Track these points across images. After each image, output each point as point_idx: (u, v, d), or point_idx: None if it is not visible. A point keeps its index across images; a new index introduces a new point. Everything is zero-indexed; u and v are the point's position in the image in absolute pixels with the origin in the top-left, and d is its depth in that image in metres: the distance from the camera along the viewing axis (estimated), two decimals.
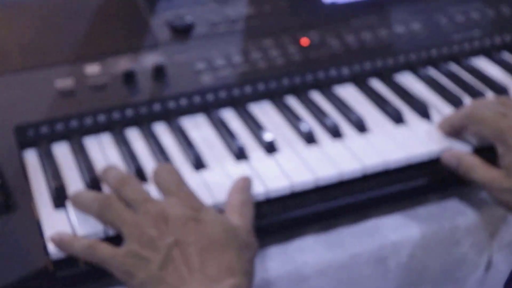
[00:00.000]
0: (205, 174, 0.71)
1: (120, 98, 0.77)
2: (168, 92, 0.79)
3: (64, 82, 0.76)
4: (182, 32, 0.85)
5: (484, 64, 0.92)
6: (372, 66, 0.88)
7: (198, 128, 0.78)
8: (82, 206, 0.65)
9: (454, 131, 0.77)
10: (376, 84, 0.87)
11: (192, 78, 0.81)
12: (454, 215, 0.77)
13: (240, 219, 0.65)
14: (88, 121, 0.76)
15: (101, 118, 0.76)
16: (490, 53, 0.94)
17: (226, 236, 0.62)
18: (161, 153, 0.73)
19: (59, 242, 0.62)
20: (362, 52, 0.88)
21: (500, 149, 0.71)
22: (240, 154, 0.74)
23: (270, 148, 0.75)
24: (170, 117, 0.78)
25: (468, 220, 0.77)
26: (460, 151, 0.75)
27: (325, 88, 0.85)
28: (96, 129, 0.76)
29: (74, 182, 0.70)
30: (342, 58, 0.87)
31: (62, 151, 0.74)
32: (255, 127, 0.77)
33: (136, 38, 0.84)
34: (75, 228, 0.64)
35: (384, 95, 0.84)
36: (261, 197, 0.69)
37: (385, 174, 0.75)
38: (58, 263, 0.63)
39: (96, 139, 0.76)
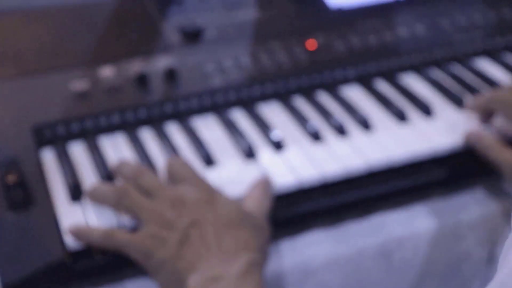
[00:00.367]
0: (215, 171, 0.74)
1: (133, 99, 0.80)
2: (180, 93, 0.82)
3: (80, 84, 0.79)
4: (192, 36, 0.88)
5: (487, 65, 0.94)
6: (377, 67, 0.90)
7: (208, 127, 0.81)
8: (99, 198, 0.68)
9: (483, 113, 0.80)
10: (381, 85, 0.89)
11: (203, 80, 0.83)
12: (457, 210, 0.79)
13: (255, 206, 0.68)
14: (103, 121, 0.78)
15: (115, 118, 0.79)
16: (493, 54, 0.96)
17: (240, 217, 0.65)
18: (173, 151, 0.76)
19: (77, 233, 0.65)
20: (367, 54, 0.90)
21: None
22: (249, 152, 0.76)
23: (278, 146, 0.77)
24: (182, 117, 0.81)
25: (471, 215, 0.79)
26: (482, 131, 0.78)
27: (332, 88, 0.87)
28: (110, 129, 0.79)
29: (89, 178, 0.72)
30: (348, 60, 0.89)
31: (78, 150, 0.76)
32: (264, 126, 0.80)
33: (148, 42, 0.87)
34: (90, 222, 0.67)
35: (388, 95, 0.86)
36: None
37: (390, 171, 0.77)
38: (75, 256, 0.65)
39: (111, 138, 0.78)
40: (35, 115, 0.76)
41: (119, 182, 0.71)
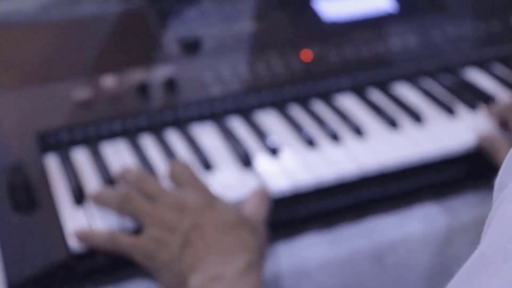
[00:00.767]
0: (213, 176, 0.77)
1: (134, 107, 0.83)
2: (179, 102, 0.84)
3: (82, 93, 0.82)
4: (191, 47, 0.91)
5: (477, 75, 0.97)
6: (371, 77, 0.93)
7: (207, 134, 0.83)
8: (103, 202, 0.71)
9: (500, 120, 0.83)
10: (374, 94, 0.92)
11: (201, 89, 0.86)
12: (448, 214, 0.82)
13: (253, 212, 0.71)
14: (105, 128, 0.81)
15: (117, 125, 0.81)
16: (482, 65, 0.99)
17: (239, 220, 0.68)
18: (173, 157, 0.78)
19: (81, 236, 0.68)
20: (361, 65, 0.93)
21: None
22: (246, 159, 0.79)
23: (274, 152, 0.80)
24: (181, 124, 0.84)
25: (462, 219, 0.82)
26: (495, 134, 0.81)
27: (327, 97, 0.90)
28: (112, 136, 0.81)
29: (92, 183, 0.75)
30: (342, 70, 0.92)
31: (80, 155, 0.79)
32: (260, 133, 0.83)
33: (148, 53, 0.90)
34: (93, 224, 0.69)
35: (381, 104, 0.89)
36: None
37: (382, 176, 0.80)
38: (78, 257, 0.68)
39: (112, 145, 0.81)
40: (40, 122, 0.79)
41: (122, 187, 0.73)
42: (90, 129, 0.81)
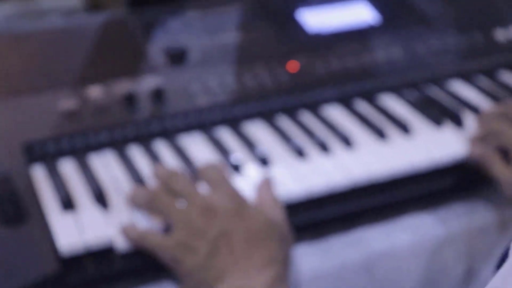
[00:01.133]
0: (203, 187, 0.76)
1: (122, 118, 0.82)
2: (167, 112, 0.84)
3: (68, 104, 0.81)
4: (177, 57, 0.90)
5: (461, 87, 0.98)
6: (357, 88, 0.94)
7: (196, 145, 0.83)
8: (134, 201, 0.71)
9: (488, 130, 0.84)
10: (361, 105, 0.92)
11: (189, 99, 0.86)
12: (436, 225, 0.82)
13: (275, 212, 0.71)
14: (92, 139, 0.80)
15: (104, 136, 0.81)
16: (466, 77, 1.00)
17: (267, 229, 0.67)
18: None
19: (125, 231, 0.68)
20: (347, 76, 0.93)
21: None
22: (236, 169, 0.78)
23: (264, 162, 0.80)
24: (169, 135, 0.83)
25: (449, 230, 0.82)
26: (486, 147, 0.82)
27: (314, 108, 0.90)
28: (99, 146, 0.80)
29: (80, 194, 0.74)
30: (329, 82, 0.92)
31: (68, 166, 0.78)
32: (249, 144, 0.82)
33: (134, 63, 0.89)
34: (81, 233, 0.68)
35: (368, 115, 0.89)
36: None
37: (371, 186, 0.80)
38: (68, 268, 0.66)
39: (100, 156, 0.80)
40: (26, 133, 0.78)
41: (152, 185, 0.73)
42: (77, 140, 0.80)
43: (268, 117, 0.88)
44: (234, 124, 0.86)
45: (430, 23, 1.03)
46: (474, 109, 0.92)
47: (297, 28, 0.98)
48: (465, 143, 0.85)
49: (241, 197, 0.69)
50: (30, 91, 0.82)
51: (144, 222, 0.70)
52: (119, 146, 0.81)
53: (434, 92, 0.96)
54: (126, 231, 0.68)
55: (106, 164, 0.79)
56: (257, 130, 0.86)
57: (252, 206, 0.69)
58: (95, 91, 0.83)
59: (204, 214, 0.66)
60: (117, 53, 0.90)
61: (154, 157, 0.80)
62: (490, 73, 1.01)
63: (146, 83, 0.86)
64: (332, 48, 0.96)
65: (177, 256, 0.65)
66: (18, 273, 0.65)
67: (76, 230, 0.69)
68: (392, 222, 0.81)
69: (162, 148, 0.82)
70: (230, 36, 0.96)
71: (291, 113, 0.89)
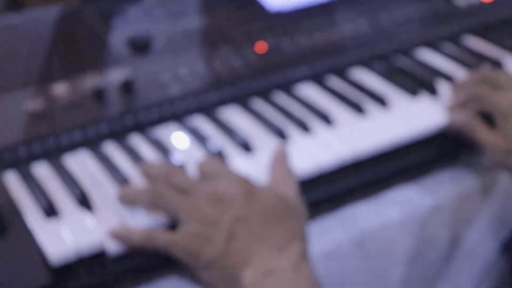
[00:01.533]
0: None
1: (92, 114, 0.78)
2: (138, 105, 0.81)
3: (34, 104, 0.77)
4: (141, 47, 0.87)
5: (428, 55, 0.98)
6: (327, 64, 0.92)
7: (172, 135, 0.80)
8: (132, 200, 0.67)
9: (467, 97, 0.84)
10: (334, 81, 0.91)
11: (159, 89, 0.82)
12: (425, 195, 0.81)
13: (288, 189, 0.69)
14: (64, 138, 0.76)
15: (77, 135, 0.77)
16: (433, 44, 0.99)
17: (281, 206, 0.65)
18: (141, 162, 0.74)
19: (118, 236, 0.64)
20: (316, 52, 0.92)
21: (498, 118, 0.80)
22: (220, 157, 0.76)
23: (246, 148, 0.77)
24: (144, 128, 0.80)
25: (434, 201, 0.82)
26: (465, 113, 0.81)
27: (287, 88, 0.88)
28: (73, 146, 0.77)
29: (61, 198, 0.70)
30: (298, 60, 0.90)
31: (42, 170, 0.74)
32: (227, 130, 0.80)
33: (97, 56, 0.85)
34: (70, 240, 0.65)
35: (343, 91, 0.88)
36: None
37: (356, 163, 0.78)
38: (60, 278, 0.63)
39: (75, 155, 0.76)
40: None
41: (147, 184, 0.69)
42: (49, 141, 0.76)
43: (242, 101, 0.86)
44: (209, 111, 0.84)
45: None
46: (446, 77, 0.91)
47: (260, 7, 0.96)
48: (443, 111, 0.84)
49: (246, 180, 0.67)
50: None
51: (142, 221, 0.67)
52: (93, 144, 0.78)
53: (404, 62, 0.95)
54: (127, 234, 0.65)
55: (82, 164, 0.75)
56: (234, 115, 0.84)
57: (261, 186, 0.67)
58: (61, 89, 0.79)
59: (213, 203, 0.64)
60: (78, 48, 0.86)
61: (131, 153, 0.76)
62: (455, 39, 1.01)
63: (113, 76, 0.82)
64: (297, 25, 0.95)
65: (192, 249, 0.62)
66: (7, 285, 0.61)
67: (63, 237, 0.65)
68: (380, 197, 0.80)
69: (138, 142, 0.79)
70: (193, 21, 0.93)
71: (265, 95, 0.87)
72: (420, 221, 0.82)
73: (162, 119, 0.81)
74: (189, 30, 0.91)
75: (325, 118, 0.82)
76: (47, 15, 0.89)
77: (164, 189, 0.67)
